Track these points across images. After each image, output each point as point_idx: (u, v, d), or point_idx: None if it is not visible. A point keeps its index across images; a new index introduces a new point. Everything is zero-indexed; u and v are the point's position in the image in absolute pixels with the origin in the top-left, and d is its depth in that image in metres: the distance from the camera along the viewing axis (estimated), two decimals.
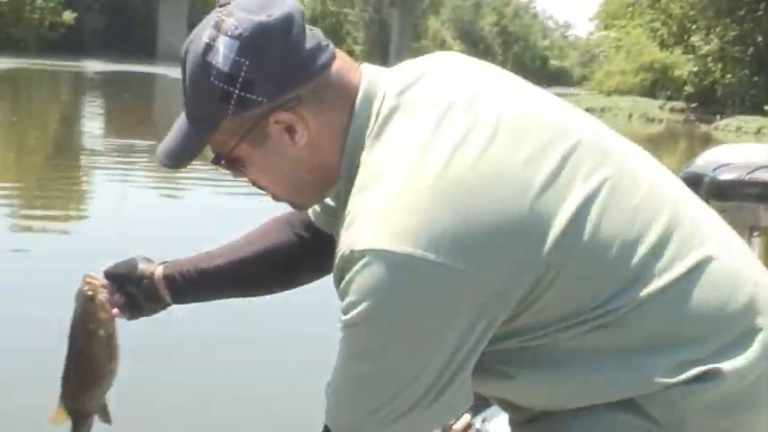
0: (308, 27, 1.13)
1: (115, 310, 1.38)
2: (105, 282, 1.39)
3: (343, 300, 1.06)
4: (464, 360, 1.05)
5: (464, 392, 1.09)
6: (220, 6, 1.12)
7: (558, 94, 1.30)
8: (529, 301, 1.05)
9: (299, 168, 1.16)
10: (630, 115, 33.40)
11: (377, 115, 1.12)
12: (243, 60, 1.08)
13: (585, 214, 1.05)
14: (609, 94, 40.01)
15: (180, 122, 1.16)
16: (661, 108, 36.48)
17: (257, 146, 1.13)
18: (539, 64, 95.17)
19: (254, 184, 1.21)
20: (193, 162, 1.17)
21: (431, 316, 1.03)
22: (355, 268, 1.03)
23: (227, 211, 7.34)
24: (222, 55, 1.08)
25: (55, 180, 9.51)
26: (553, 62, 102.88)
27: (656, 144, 20.34)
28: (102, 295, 1.36)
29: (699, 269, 1.09)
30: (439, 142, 1.06)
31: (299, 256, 1.42)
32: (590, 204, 1.06)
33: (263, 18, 1.08)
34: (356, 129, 1.12)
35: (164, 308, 1.45)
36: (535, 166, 1.05)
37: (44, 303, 4.78)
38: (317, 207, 1.38)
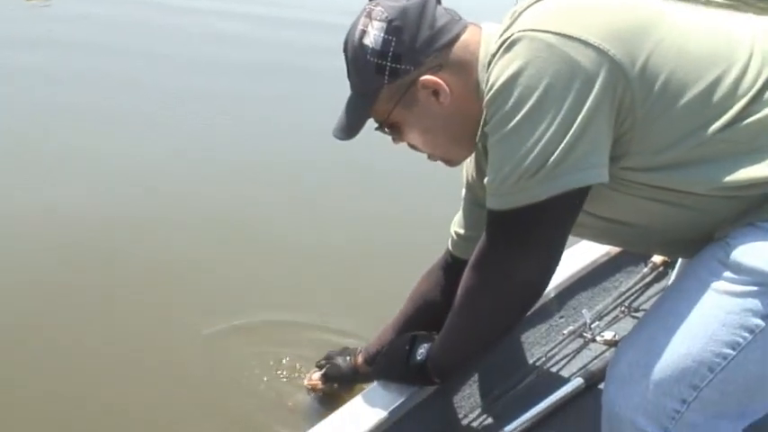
0: (441, 6, 1.38)
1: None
2: (323, 380, 1.96)
3: (488, 95, 1.25)
4: (585, 126, 1.19)
5: (588, 162, 1.21)
6: (370, 0, 1.39)
7: None
8: (647, 107, 1.21)
9: (449, 125, 1.39)
10: None
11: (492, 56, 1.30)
12: (390, 38, 1.34)
13: (672, 48, 1.23)
14: None
15: (347, 102, 1.42)
16: None
17: (410, 108, 1.38)
18: None
19: (412, 147, 1.46)
20: None
21: (555, 79, 1.19)
22: (495, 59, 1.25)
23: None
24: (374, 36, 1.35)
25: None
26: None
27: None
28: (321, 390, 1.99)
29: None
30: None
31: (450, 297, 1.51)
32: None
33: (403, 3, 1.35)
34: (481, 76, 1.34)
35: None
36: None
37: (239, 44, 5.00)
38: (454, 236, 1.68)
